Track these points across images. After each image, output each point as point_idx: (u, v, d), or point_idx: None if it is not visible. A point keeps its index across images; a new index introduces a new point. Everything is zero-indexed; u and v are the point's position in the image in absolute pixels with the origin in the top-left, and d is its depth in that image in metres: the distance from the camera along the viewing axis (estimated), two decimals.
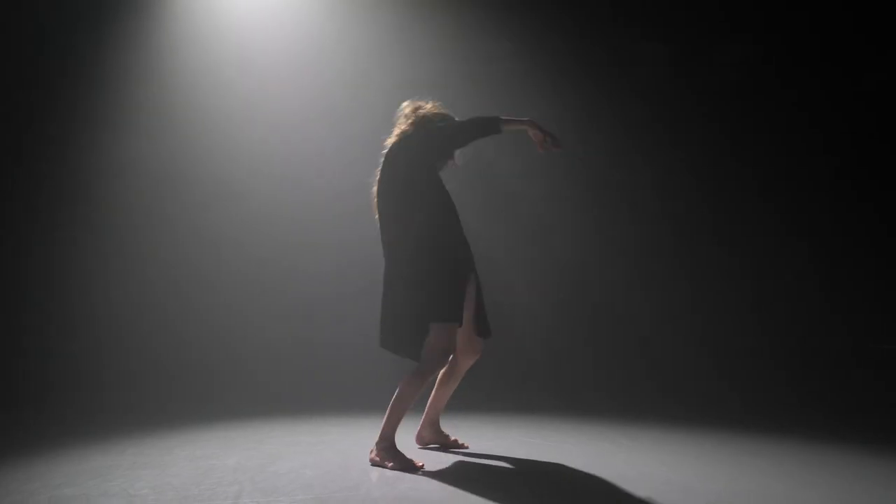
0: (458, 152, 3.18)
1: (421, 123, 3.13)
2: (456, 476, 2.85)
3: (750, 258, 5.74)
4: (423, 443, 3.35)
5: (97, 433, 3.72)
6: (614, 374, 5.41)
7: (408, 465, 2.92)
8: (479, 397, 4.76)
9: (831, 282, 5.59)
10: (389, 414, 3.02)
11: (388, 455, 2.97)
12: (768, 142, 5.75)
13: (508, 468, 3.01)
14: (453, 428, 3.53)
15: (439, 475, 2.85)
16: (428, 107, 3.19)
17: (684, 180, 5.81)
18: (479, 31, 5.80)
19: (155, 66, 5.61)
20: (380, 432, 3.03)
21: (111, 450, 3.32)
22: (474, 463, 3.08)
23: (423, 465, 2.95)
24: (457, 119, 3.17)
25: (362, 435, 3.54)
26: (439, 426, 3.37)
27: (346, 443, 3.44)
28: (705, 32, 5.83)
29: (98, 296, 5.46)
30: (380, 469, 2.93)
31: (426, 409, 3.35)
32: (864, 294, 5.51)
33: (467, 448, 3.31)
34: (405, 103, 3.23)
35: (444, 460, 3.11)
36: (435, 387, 3.30)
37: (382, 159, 3.14)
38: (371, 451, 3.04)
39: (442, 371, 3.23)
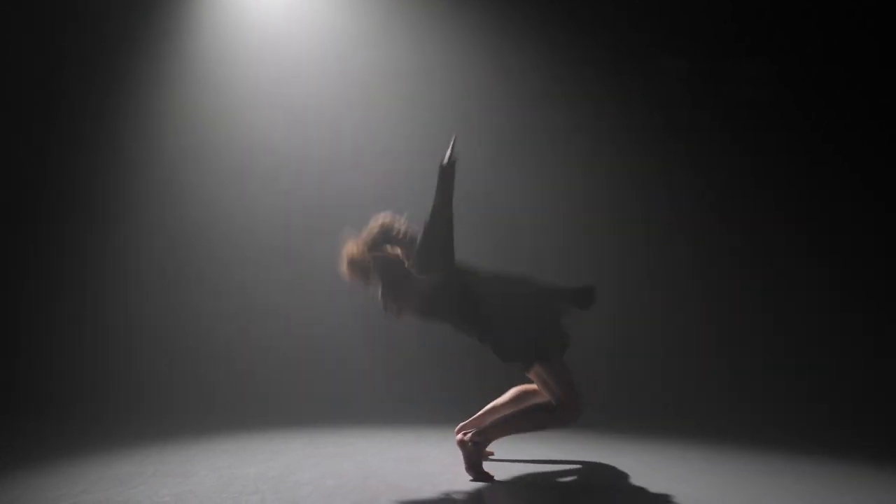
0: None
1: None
2: (476, 487, 2.84)
3: (768, 273, 5.66)
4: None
5: (120, 441, 3.75)
6: (633, 388, 5.36)
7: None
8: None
9: (853, 299, 5.50)
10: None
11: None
12: (789, 158, 5.68)
13: (527, 480, 3.00)
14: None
15: (461, 485, 2.84)
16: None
17: (700, 195, 5.76)
18: (495, 42, 5.82)
19: (181, 66, 5.70)
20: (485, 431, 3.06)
21: (134, 457, 3.34)
22: (494, 475, 3.07)
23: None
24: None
25: (382, 446, 3.54)
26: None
27: (367, 454, 3.43)
28: (728, 46, 5.79)
29: (131, 304, 5.54)
30: (397, 482, 2.93)
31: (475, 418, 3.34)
32: (886, 307, 5.42)
33: (493, 455, 3.29)
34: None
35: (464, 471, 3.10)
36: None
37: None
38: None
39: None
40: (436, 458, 3.33)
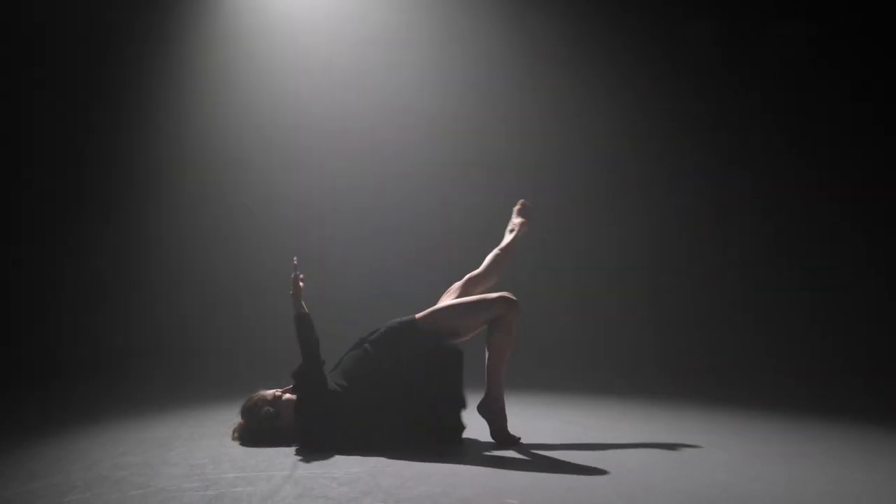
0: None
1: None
2: (504, 452, 2.86)
3: (805, 250, 5.55)
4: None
5: (158, 405, 3.86)
6: (661, 354, 5.33)
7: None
8: (526, 376, 4.75)
9: (888, 264, 5.38)
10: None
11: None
12: (827, 131, 5.53)
13: (555, 445, 3.00)
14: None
15: (489, 449, 2.86)
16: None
17: (734, 170, 5.65)
18: (519, 7, 5.74)
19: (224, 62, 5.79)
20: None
21: (171, 421, 3.43)
22: (524, 434, 3.08)
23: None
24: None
25: None
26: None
27: None
28: (758, 8, 5.62)
29: (172, 273, 5.68)
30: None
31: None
32: None
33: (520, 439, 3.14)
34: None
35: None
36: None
37: None
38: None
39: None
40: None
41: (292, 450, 2.84)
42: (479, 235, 5.75)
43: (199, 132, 5.79)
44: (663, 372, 5.10)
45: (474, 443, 3.03)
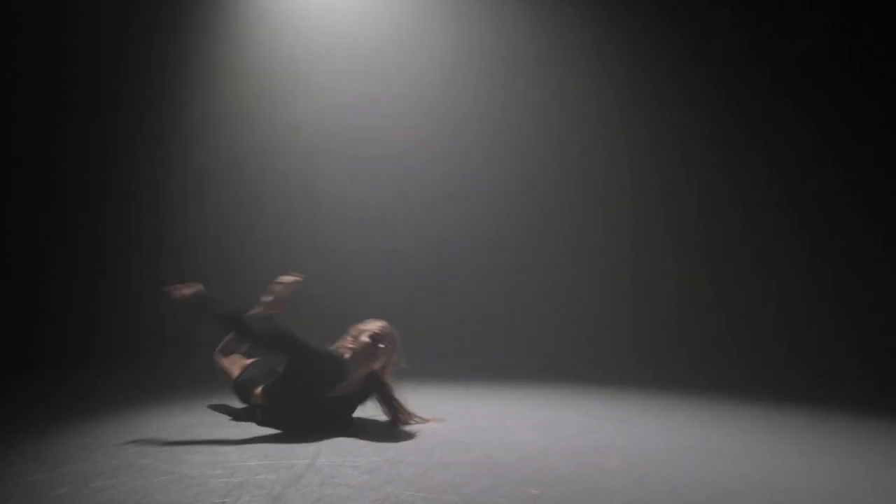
0: None
1: None
2: (527, 447, 2.87)
3: (826, 242, 5.50)
4: None
5: (180, 393, 3.90)
6: (696, 351, 5.31)
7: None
8: (549, 368, 4.76)
9: None
10: None
11: None
12: (847, 122, 5.46)
13: (586, 438, 3.01)
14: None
15: (509, 440, 2.88)
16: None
17: (760, 165, 5.60)
18: (542, 4, 5.72)
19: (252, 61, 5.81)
20: None
21: (194, 409, 3.47)
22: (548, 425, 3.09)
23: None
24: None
25: (433, 402, 3.58)
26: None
27: (419, 412, 3.48)
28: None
29: (197, 260, 5.71)
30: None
31: None
32: None
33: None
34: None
35: (506, 428, 3.14)
36: None
37: None
38: None
39: None
40: (483, 413, 3.38)
41: (315, 438, 2.87)
42: (489, 236, 5.79)
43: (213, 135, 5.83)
44: (685, 364, 5.08)
45: (492, 434, 3.04)
